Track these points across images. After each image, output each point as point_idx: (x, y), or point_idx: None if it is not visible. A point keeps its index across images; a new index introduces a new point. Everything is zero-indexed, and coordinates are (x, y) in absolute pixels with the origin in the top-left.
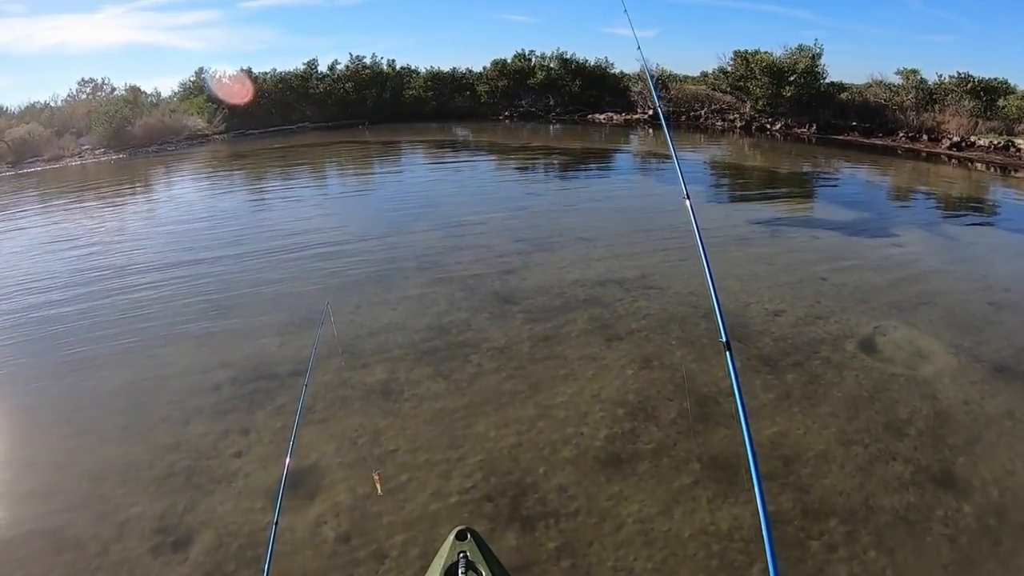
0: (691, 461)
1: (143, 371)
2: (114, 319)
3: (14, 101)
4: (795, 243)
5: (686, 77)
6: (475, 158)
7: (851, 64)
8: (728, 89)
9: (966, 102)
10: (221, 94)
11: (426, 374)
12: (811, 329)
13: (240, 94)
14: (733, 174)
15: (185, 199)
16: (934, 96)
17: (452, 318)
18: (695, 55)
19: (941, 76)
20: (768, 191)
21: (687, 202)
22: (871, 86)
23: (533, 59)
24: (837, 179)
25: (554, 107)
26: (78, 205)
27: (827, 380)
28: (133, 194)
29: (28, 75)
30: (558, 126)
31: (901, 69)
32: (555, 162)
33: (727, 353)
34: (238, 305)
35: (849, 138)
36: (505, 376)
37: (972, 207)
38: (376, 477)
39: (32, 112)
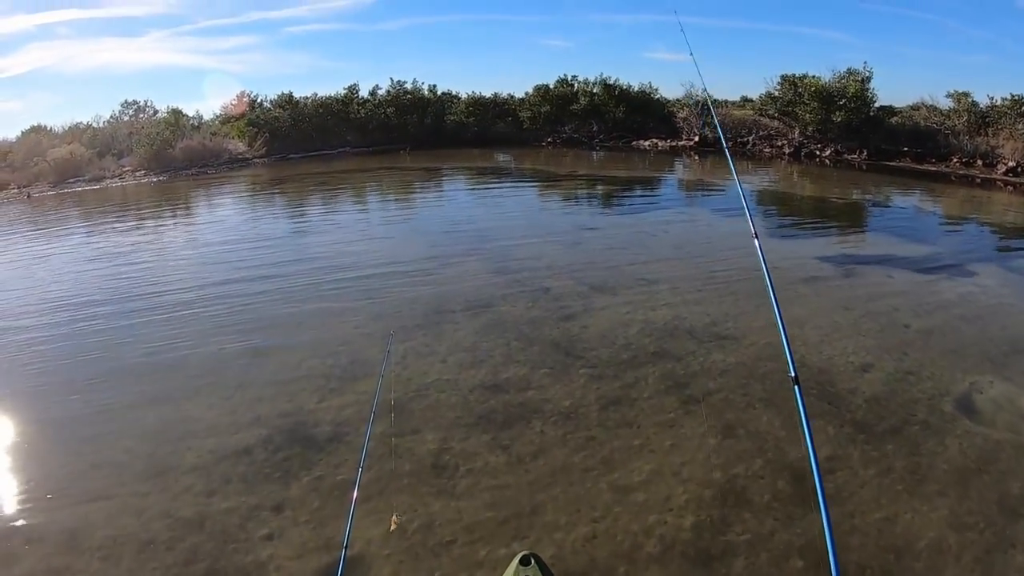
0: (791, 555)
1: (169, 424)
2: (143, 355)
3: (58, 121)
4: (870, 284)
5: (725, 101)
6: (520, 186)
7: (891, 86)
8: (776, 114)
9: (1020, 125)
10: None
11: (483, 444)
12: (903, 387)
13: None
14: (789, 204)
15: (223, 224)
16: (987, 119)
17: (509, 374)
18: (732, 79)
19: (993, 98)
20: (829, 223)
21: (756, 241)
22: (919, 108)
23: (576, 84)
24: (896, 209)
25: (598, 133)
26: (117, 225)
27: (929, 449)
28: (173, 216)
29: (73, 95)
30: (602, 153)
31: (952, 92)
32: (604, 191)
33: (795, 388)
34: (273, 349)
35: (901, 164)
36: (573, 448)
37: None
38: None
39: (75, 132)
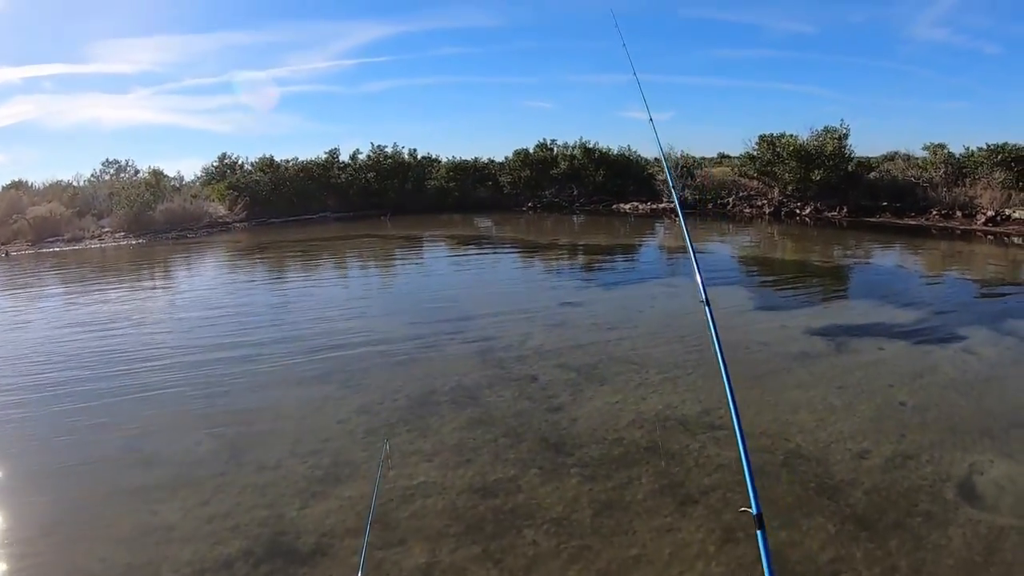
0: None
1: (146, 530)
2: (119, 448)
3: (39, 177)
4: (862, 358)
5: (702, 159)
6: (502, 255)
7: (870, 136)
8: (756, 175)
9: (997, 174)
10: None
11: (474, 556)
12: (903, 474)
13: None
14: (772, 267)
15: (202, 294)
16: (964, 170)
17: (498, 475)
18: (712, 137)
19: (968, 148)
20: (814, 288)
21: (706, 308)
22: (894, 159)
23: (555, 148)
24: (879, 268)
25: (578, 197)
26: (95, 293)
27: (934, 543)
28: (152, 284)
29: (55, 150)
30: (582, 217)
31: (928, 144)
32: (586, 261)
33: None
34: (251, 445)
35: (881, 220)
36: (567, 559)
37: None
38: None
39: (55, 190)
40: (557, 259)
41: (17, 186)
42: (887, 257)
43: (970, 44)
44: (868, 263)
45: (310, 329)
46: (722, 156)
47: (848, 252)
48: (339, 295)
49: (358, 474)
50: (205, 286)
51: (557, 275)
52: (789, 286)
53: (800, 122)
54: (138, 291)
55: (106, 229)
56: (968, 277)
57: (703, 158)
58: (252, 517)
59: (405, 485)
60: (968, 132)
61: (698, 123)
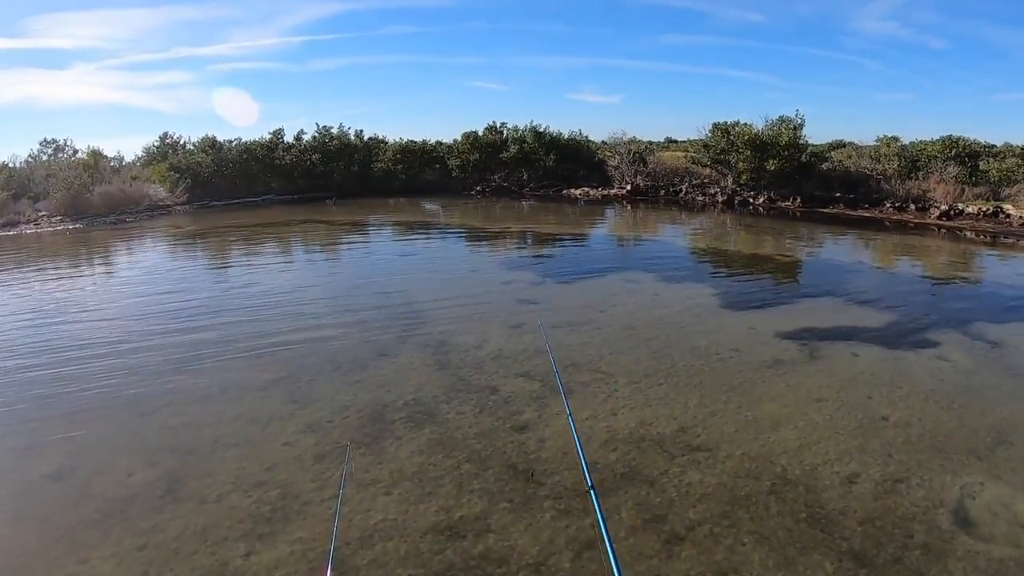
0: None
1: None
2: (42, 475)
3: None
4: (837, 366)
5: (651, 143)
6: (452, 244)
7: (813, 126)
8: (709, 163)
9: (951, 168)
10: None
11: None
12: (895, 500)
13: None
14: (733, 264)
15: (137, 288)
16: (917, 163)
17: (464, 511)
18: (660, 121)
19: (920, 141)
20: (778, 286)
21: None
22: (843, 148)
23: (505, 132)
24: (841, 265)
25: (528, 182)
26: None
27: None
28: (88, 274)
29: None
30: (532, 202)
31: (881, 136)
32: (542, 252)
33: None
34: (189, 477)
35: (835, 211)
36: None
37: (992, 291)
38: None
39: None
40: (510, 249)
41: None
42: (845, 251)
43: (916, 38)
44: (828, 258)
45: (252, 328)
46: (670, 141)
47: (806, 245)
48: (282, 289)
49: (308, 511)
50: (139, 279)
51: (511, 267)
52: (751, 282)
53: (744, 108)
54: (66, 285)
55: (42, 213)
56: (929, 275)
57: (651, 142)
58: (194, 566)
59: (363, 525)
60: (911, 124)
61: (646, 108)
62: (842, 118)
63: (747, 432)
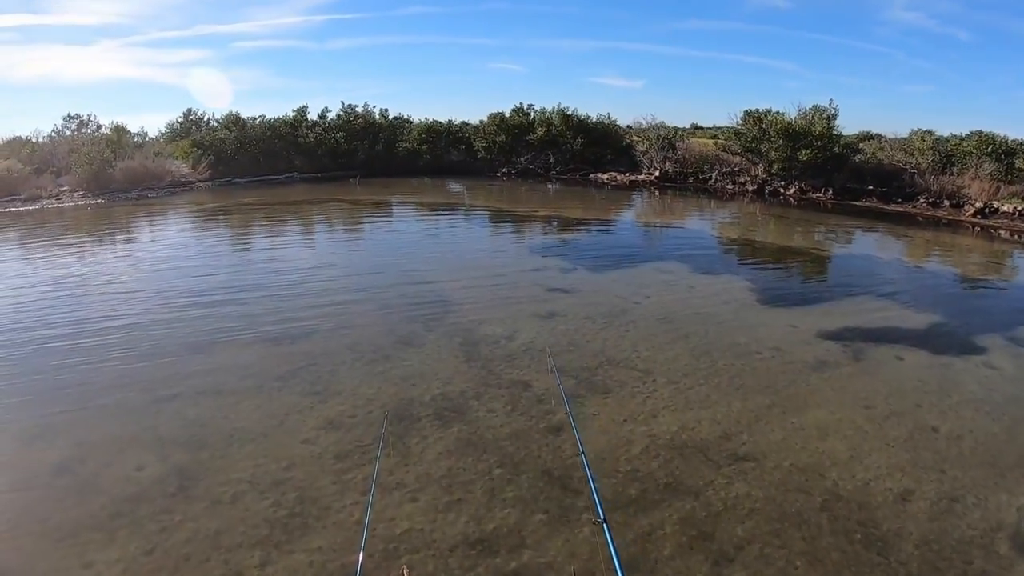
0: None
1: None
2: (48, 470)
3: (0, 131)
4: (883, 370)
5: (676, 128)
6: (479, 228)
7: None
8: (740, 151)
9: (986, 165)
10: None
11: None
12: (952, 522)
13: None
14: (768, 257)
15: (156, 268)
16: (952, 159)
17: (496, 522)
18: (683, 107)
19: (955, 136)
20: (817, 282)
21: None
22: (870, 140)
23: (532, 114)
24: (879, 261)
25: (554, 165)
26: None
27: None
28: (109, 250)
29: (18, 104)
30: (558, 186)
31: (915, 130)
32: (570, 238)
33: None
34: (201, 473)
35: (867, 204)
36: None
37: None
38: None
39: (14, 146)
40: (538, 233)
41: None
42: (881, 246)
43: (941, 29)
44: (864, 253)
45: (272, 310)
46: (695, 127)
47: (840, 239)
48: (303, 270)
49: (328, 517)
50: (159, 256)
51: (540, 254)
52: (788, 275)
53: (766, 96)
54: (87, 259)
55: (64, 188)
56: (968, 275)
57: (676, 128)
58: (205, 575)
59: (387, 535)
60: (934, 117)
61: (669, 93)
62: (865, 109)
63: (794, 440)
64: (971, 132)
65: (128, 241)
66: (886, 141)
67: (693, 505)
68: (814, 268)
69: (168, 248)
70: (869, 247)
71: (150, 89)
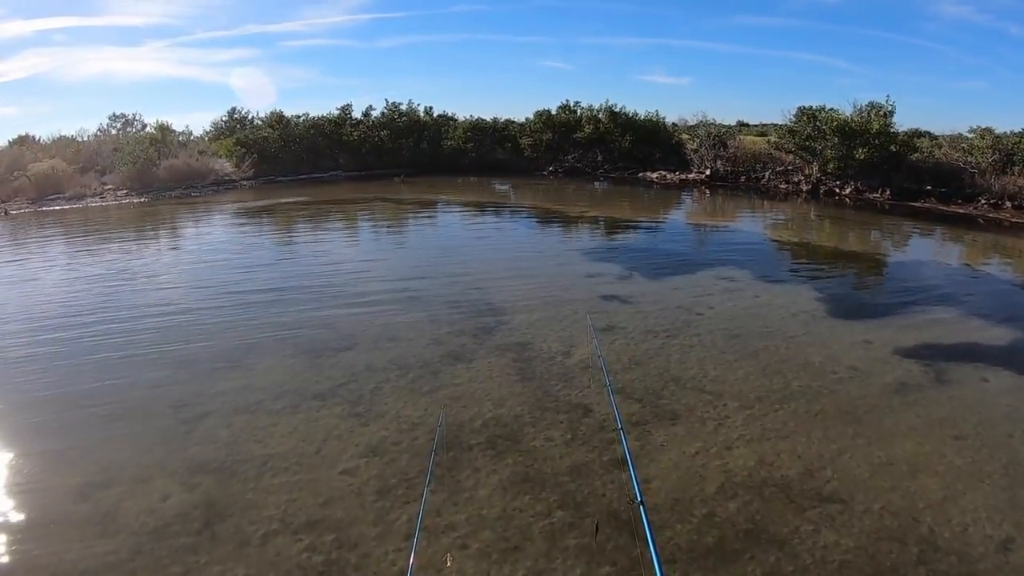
0: None
1: None
2: (68, 499)
3: (49, 130)
4: (969, 394)
5: (721, 126)
6: (528, 229)
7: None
8: (794, 149)
9: None
10: None
11: None
12: None
13: None
14: (831, 263)
15: (192, 271)
16: (1014, 158)
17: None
18: (729, 104)
19: (1016, 133)
20: (887, 292)
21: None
22: (940, 144)
23: (579, 111)
24: (948, 268)
25: (602, 163)
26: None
27: None
28: (149, 251)
29: (68, 104)
30: (606, 184)
31: (975, 128)
32: (622, 241)
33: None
34: (230, 509)
35: (926, 205)
36: None
37: None
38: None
39: (60, 145)
40: (590, 236)
41: (22, 141)
42: (947, 252)
43: (994, 24)
44: (931, 259)
45: (312, 318)
46: (741, 124)
47: (903, 243)
48: (346, 274)
49: (368, 565)
50: (201, 255)
51: (593, 258)
52: (855, 284)
53: (816, 93)
54: (128, 257)
55: (108, 186)
56: None
57: (722, 126)
58: None
59: None
60: (987, 115)
61: (716, 90)
62: (918, 107)
63: (883, 478)
64: (1023, 129)
65: (169, 239)
66: (945, 139)
67: (778, 556)
68: (879, 274)
69: (208, 247)
70: (931, 251)
71: (196, 88)
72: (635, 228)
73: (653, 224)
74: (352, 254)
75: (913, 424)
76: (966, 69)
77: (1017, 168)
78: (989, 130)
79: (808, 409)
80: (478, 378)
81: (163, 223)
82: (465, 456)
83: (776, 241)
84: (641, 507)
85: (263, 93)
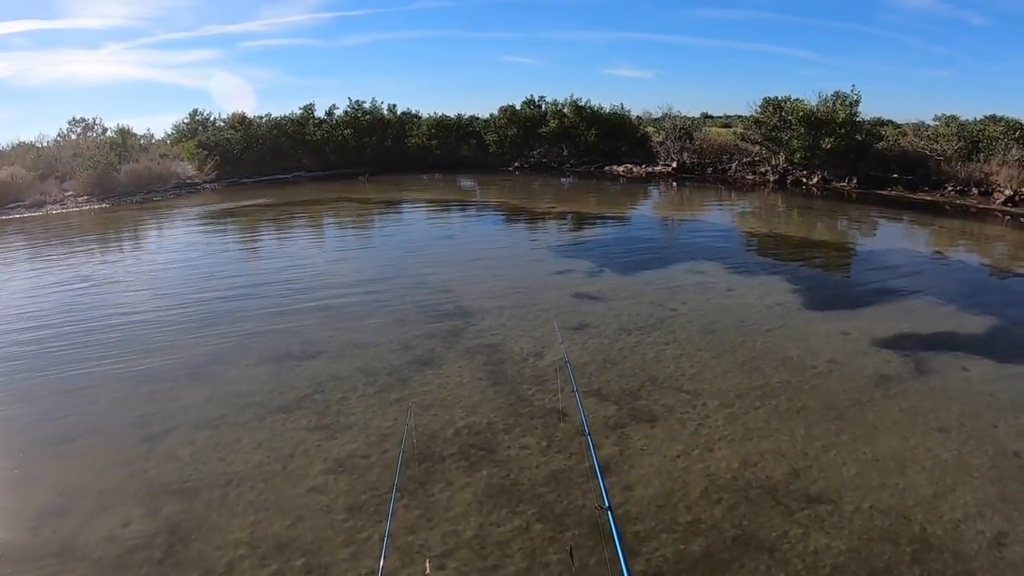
0: None
1: None
2: (25, 524)
3: (9, 137)
4: (950, 384)
5: (686, 117)
6: (495, 227)
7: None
8: (760, 140)
9: (1015, 151)
10: None
11: None
12: None
13: None
14: (802, 254)
15: (154, 279)
16: (978, 145)
17: None
18: (694, 96)
19: (981, 120)
20: (860, 282)
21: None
22: (905, 133)
23: (544, 106)
24: (919, 256)
25: (568, 158)
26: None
27: None
28: (109, 260)
29: (31, 109)
30: (573, 179)
31: (940, 116)
32: (591, 236)
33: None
34: (195, 532)
35: (893, 193)
36: None
37: None
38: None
39: (20, 152)
40: (558, 232)
41: None
42: (918, 240)
43: (955, 14)
44: (903, 247)
45: (276, 325)
46: (706, 116)
47: (871, 230)
48: (312, 277)
49: None
50: (159, 264)
51: (562, 254)
52: (830, 275)
53: (780, 84)
54: (81, 271)
55: (69, 193)
56: (1010, 269)
57: (687, 117)
58: None
59: None
60: (950, 103)
61: (680, 83)
62: (881, 96)
63: (870, 475)
64: (985, 116)
65: (132, 245)
66: (911, 127)
67: (768, 564)
68: (850, 264)
69: (171, 252)
70: (901, 239)
71: (159, 90)
72: (603, 223)
73: (621, 218)
74: (317, 256)
75: (896, 418)
76: (929, 58)
77: (982, 155)
78: (954, 117)
79: (789, 406)
80: (448, 384)
81: (125, 229)
82: (438, 468)
83: (746, 232)
84: (608, 512)
85: (239, 96)
